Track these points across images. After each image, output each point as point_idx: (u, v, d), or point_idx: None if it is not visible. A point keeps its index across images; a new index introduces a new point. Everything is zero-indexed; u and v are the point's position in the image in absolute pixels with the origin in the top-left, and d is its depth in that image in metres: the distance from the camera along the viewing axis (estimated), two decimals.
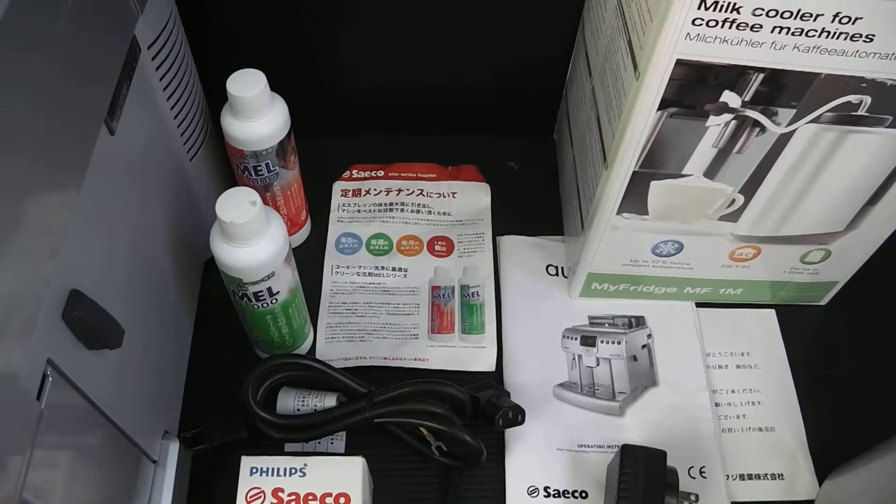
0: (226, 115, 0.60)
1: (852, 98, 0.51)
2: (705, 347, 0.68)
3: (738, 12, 0.45)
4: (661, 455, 0.58)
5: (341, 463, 0.55)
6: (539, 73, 0.73)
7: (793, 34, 0.47)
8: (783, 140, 0.54)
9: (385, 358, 0.64)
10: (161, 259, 0.59)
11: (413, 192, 0.73)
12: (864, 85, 0.50)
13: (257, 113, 0.60)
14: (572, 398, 0.64)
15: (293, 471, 0.54)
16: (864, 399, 0.66)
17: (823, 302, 0.71)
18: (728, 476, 0.62)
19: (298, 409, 0.61)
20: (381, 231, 0.71)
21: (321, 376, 0.61)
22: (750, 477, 0.63)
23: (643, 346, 0.67)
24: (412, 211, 0.73)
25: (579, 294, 0.68)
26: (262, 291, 0.57)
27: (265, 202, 0.64)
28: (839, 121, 0.52)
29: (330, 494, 0.53)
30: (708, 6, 0.45)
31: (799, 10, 0.45)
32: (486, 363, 0.65)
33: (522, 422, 0.61)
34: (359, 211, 0.72)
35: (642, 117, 0.52)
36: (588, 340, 0.66)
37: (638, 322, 0.68)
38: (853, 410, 0.66)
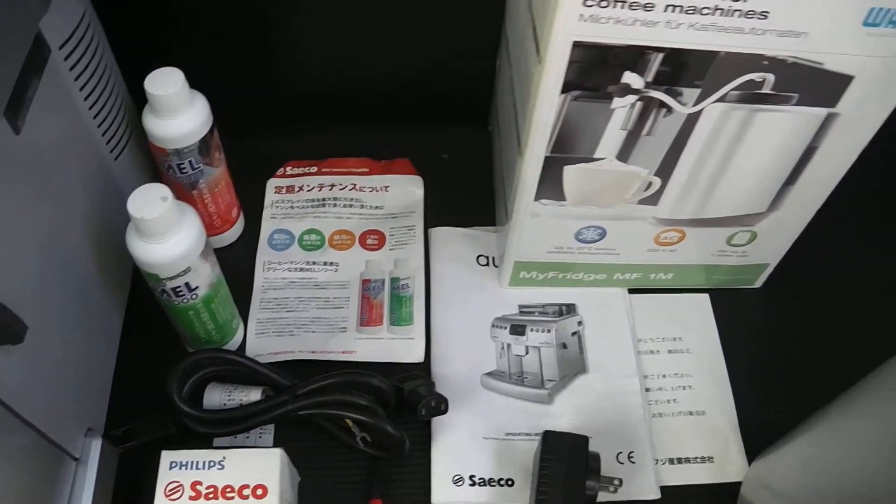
0: (147, 114, 0.60)
1: (755, 76, 0.51)
2: (637, 333, 0.68)
3: None
4: (582, 441, 0.58)
5: (259, 455, 0.55)
6: (471, 64, 0.73)
7: (686, 12, 0.47)
8: (691, 120, 0.54)
9: (313, 351, 0.64)
10: (82, 257, 0.59)
11: (346, 186, 0.74)
12: (766, 62, 0.50)
13: (177, 111, 0.60)
14: (500, 387, 0.64)
15: (212, 464, 0.54)
16: (796, 381, 0.66)
17: (758, 284, 0.71)
18: (657, 460, 0.62)
19: (225, 404, 0.61)
20: (314, 226, 0.71)
21: (246, 371, 0.61)
22: (680, 461, 0.63)
23: (573, 334, 0.67)
24: (345, 206, 0.73)
25: (509, 283, 0.68)
26: (180, 287, 0.57)
27: (191, 200, 0.65)
28: (745, 99, 0.53)
29: (248, 486, 0.53)
30: None
31: None
32: (415, 354, 0.65)
33: (445, 411, 0.61)
34: (292, 207, 0.73)
35: (547, 102, 0.52)
36: (517, 329, 0.66)
37: (568, 310, 0.68)
38: (786, 392, 0.66)
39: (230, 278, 0.65)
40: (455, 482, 0.60)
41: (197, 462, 0.54)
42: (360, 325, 0.66)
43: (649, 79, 0.51)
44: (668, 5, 0.46)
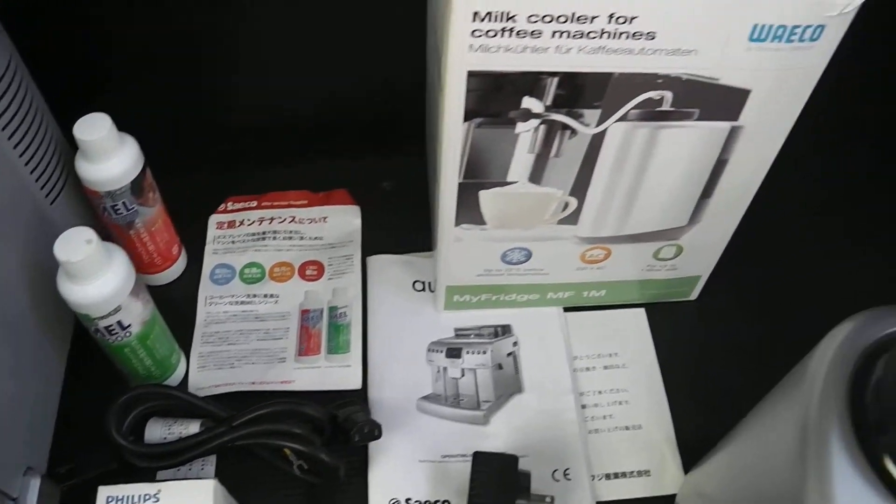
0: (79, 158, 0.62)
1: (653, 94, 0.53)
2: (573, 351, 0.69)
3: (514, 20, 0.47)
4: (511, 460, 0.59)
5: (194, 486, 0.56)
6: (406, 92, 0.75)
7: (574, 37, 0.48)
8: (597, 140, 0.55)
9: (253, 383, 0.66)
10: (18, 300, 0.60)
11: (285, 219, 0.75)
12: (661, 81, 0.52)
13: (106, 154, 0.61)
14: (436, 410, 0.65)
15: (147, 497, 0.55)
16: (732, 391, 0.66)
17: (693, 297, 0.72)
18: (594, 476, 0.63)
19: (165, 438, 0.62)
20: (255, 260, 0.73)
21: (184, 404, 0.62)
22: (616, 475, 0.64)
23: (508, 354, 0.68)
24: (284, 238, 0.74)
25: (444, 307, 0.69)
26: (112, 326, 0.58)
27: (129, 240, 0.67)
28: (647, 117, 0.54)
29: None
30: (482, 18, 0.47)
31: (574, 14, 0.47)
32: (352, 381, 0.66)
33: (379, 436, 0.62)
34: (233, 242, 0.74)
35: (452, 130, 0.54)
36: (453, 352, 0.67)
37: (504, 331, 0.69)
38: (722, 402, 0.65)
39: (173, 314, 0.66)
40: None
41: (133, 496, 0.55)
42: (298, 355, 0.67)
43: (548, 102, 0.52)
44: (554, 31, 0.48)
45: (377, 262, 0.73)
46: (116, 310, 0.58)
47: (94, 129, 0.60)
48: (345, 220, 0.76)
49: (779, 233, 0.76)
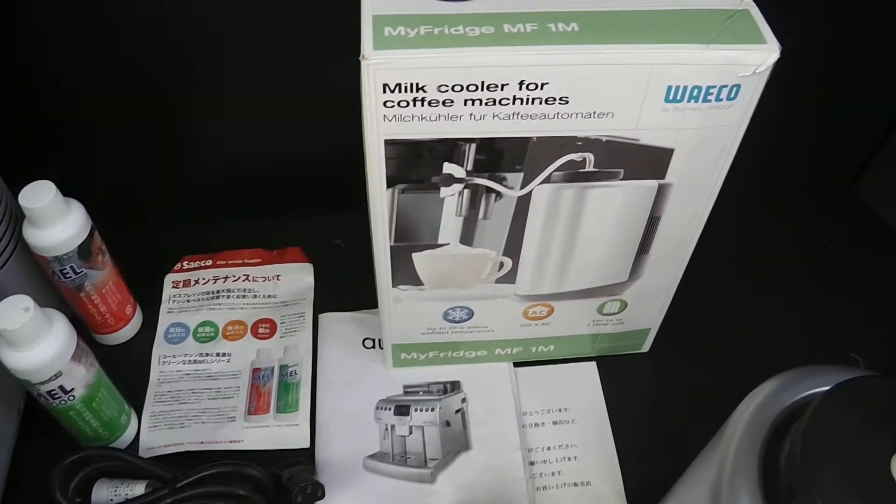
0: (26, 225, 0.63)
1: (574, 156, 0.53)
2: (522, 406, 0.69)
3: (425, 91, 0.48)
4: None
5: None
6: (359, 152, 0.75)
7: (486, 104, 0.49)
8: (524, 202, 0.55)
9: (202, 442, 0.66)
10: None
11: (239, 278, 0.76)
12: (581, 143, 0.52)
13: (52, 220, 0.63)
14: (382, 468, 0.65)
15: None
16: (683, 445, 0.66)
17: (645, 349, 0.72)
18: None
19: (111, 500, 0.62)
20: (208, 318, 0.74)
21: (130, 466, 0.63)
22: None
23: (457, 411, 0.68)
24: (238, 296, 0.75)
25: (393, 365, 0.70)
26: (54, 390, 0.59)
27: (80, 302, 0.68)
28: (572, 178, 0.54)
29: None
30: (393, 89, 0.47)
31: (483, 83, 0.48)
32: (300, 440, 0.67)
33: (322, 496, 0.62)
34: (188, 301, 0.75)
35: (377, 196, 0.54)
36: (401, 410, 0.68)
37: (453, 387, 0.69)
38: (673, 457, 0.65)
39: (128, 373, 0.68)
40: None
41: None
42: (247, 414, 0.68)
43: (469, 167, 0.53)
44: (466, 100, 0.48)
45: (328, 319, 0.74)
46: (57, 375, 0.59)
47: (39, 196, 0.62)
48: (298, 277, 0.76)
49: (731, 283, 0.77)
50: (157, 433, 0.67)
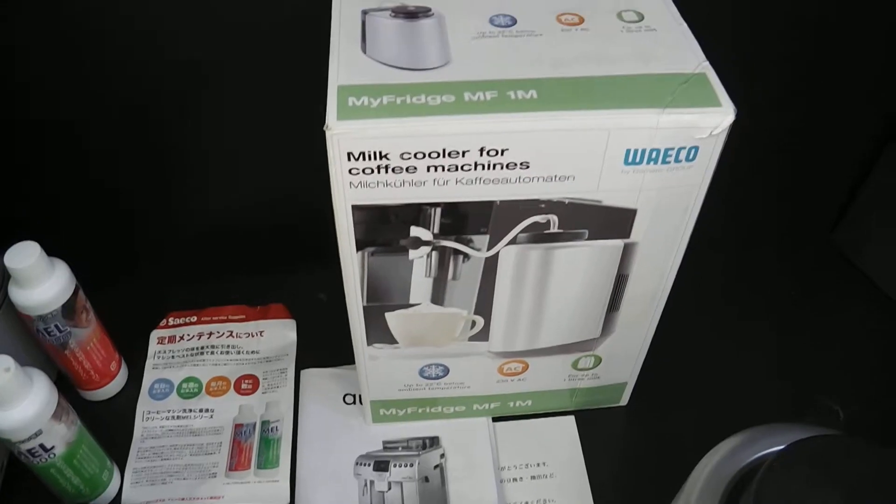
0: (11, 284, 0.65)
1: (538, 218, 0.54)
2: (501, 461, 0.69)
3: (388, 158, 0.49)
4: None
5: None
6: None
7: (449, 170, 0.50)
8: (491, 263, 0.56)
9: (183, 499, 0.67)
10: None
11: (223, 334, 0.77)
12: (544, 206, 0.53)
13: (36, 280, 0.64)
14: None
15: None
16: (660, 498, 0.67)
17: (623, 402, 0.73)
18: None
19: None
20: (192, 374, 0.75)
21: None
22: None
23: (435, 467, 0.68)
24: (222, 353, 0.76)
25: (372, 420, 0.70)
26: (34, 448, 0.60)
27: (64, 359, 0.69)
28: (538, 239, 0.55)
29: None
30: (357, 157, 0.49)
31: (445, 150, 0.49)
32: (280, 497, 0.67)
33: None
34: (173, 357, 0.76)
35: (347, 258, 0.55)
36: (381, 465, 0.68)
37: (432, 443, 0.70)
38: None
39: (112, 429, 0.69)
40: None
41: None
42: (228, 470, 0.68)
43: (435, 231, 0.54)
44: (429, 166, 0.49)
45: (310, 375, 0.75)
46: (37, 433, 0.60)
47: (24, 257, 0.63)
48: (281, 333, 0.78)
49: (708, 334, 0.77)
50: (139, 489, 0.68)
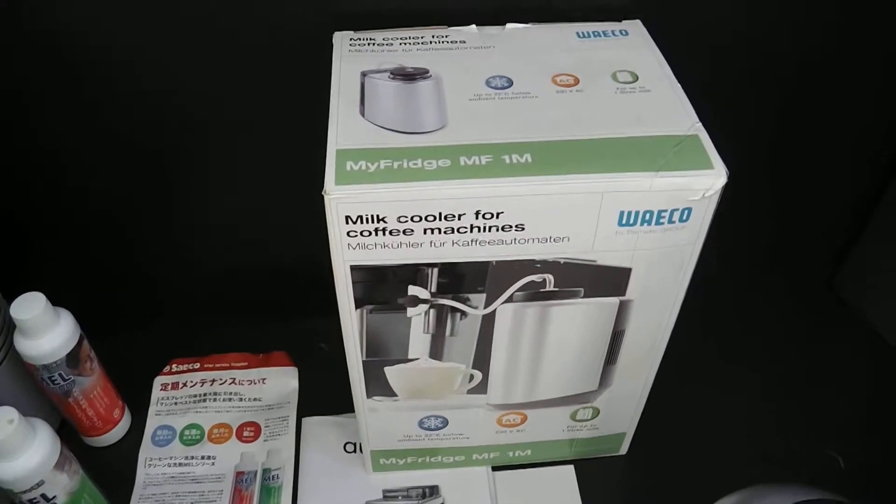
0: (16, 334, 0.66)
1: (534, 278, 0.55)
2: None
3: (385, 221, 0.50)
4: None
5: None
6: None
7: (445, 233, 0.51)
8: (489, 320, 0.57)
9: None
10: None
11: (226, 381, 0.78)
12: (539, 266, 0.54)
13: (41, 331, 0.65)
14: None
15: None
16: None
17: (622, 451, 0.73)
18: None
19: None
20: (195, 421, 0.75)
21: None
22: None
23: None
24: (224, 399, 0.77)
25: (372, 469, 0.71)
26: (36, 498, 0.61)
27: (69, 407, 0.70)
28: (534, 297, 0.56)
29: None
30: (354, 221, 0.50)
31: (441, 213, 0.50)
32: None
33: None
34: (175, 403, 0.77)
35: (347, 316, 0.56)
36: None
37: (432, 492, 0.70)
38: None
39: (114, 476, 0.70)
40: None
41: None
42: None
43: (433, 290, 0.55)
44: (426, 229, 0.50)
45: (311, 423, 0.75)
46: (39, 484, 0.60)
47: (30, 308, 0.64)
48: (283, 381, 0.78)
49: (707, 384, 0.78)
50: None
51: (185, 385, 0.78)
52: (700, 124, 0.52)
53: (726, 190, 0.50)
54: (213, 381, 0.78)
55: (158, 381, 0.79)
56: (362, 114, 0.53)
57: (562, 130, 0.51)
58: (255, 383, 0.78)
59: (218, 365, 0.80)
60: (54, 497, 0.62)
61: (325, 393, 0.76)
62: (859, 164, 0.80)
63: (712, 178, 0.49)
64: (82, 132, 0.69)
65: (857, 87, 0.73)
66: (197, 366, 0.80)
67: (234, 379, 0.78)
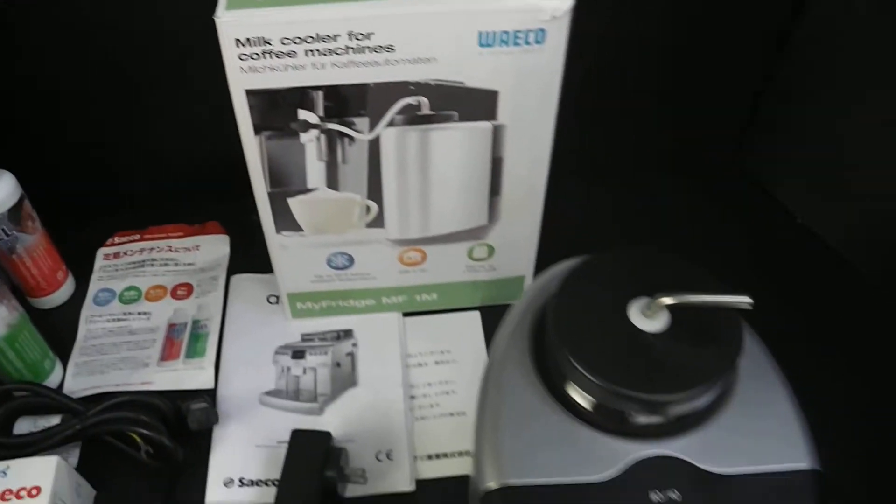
0: None
1: (410, 100, 0.61)
2: (409, 350, 0.76)
3: (270, 44, 0.56)
4: (324, 435, 0.66)
5: (38, 462, 0.63)
6: None
7: (323, 54, 0.57)
8: (374, 146, 0.64)
9: (118, 385, 0.74)
10: None
11: (163, 249, 0.85)
12: (413, 88, 0.60)
13: None
14: (276, 402, 0.72)
15: None
16: None
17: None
18: (416, 457, 0.70)
19: (32, 431, 0.70)
20: (133, 283, 0.82)
21: (47, 400, 0.71)
22: (438, 456, 0.70)
23: (347, 354, 0.75)
24: (161, 265, 0.84)
25: (291, 315, 0.78)
26: None
27: (12, 263, 0.77)
28: (412, 121, 0.62)
29: (25, 488, 0.62)
30: (243, 43, 0.56)
31: (317, 34, 0.56)
32: (205, 381, 0.74)
33: (216, 421, 0.70)
34: (117, 270, 0.84)
35: (249, 143, 0.63)
36: (298, 354, 0.75)
37: (346, 335, 0.77)
38: None
39: (58, 333, 0.76)
40: (226, 484, 0.68)
41: None
42: (160, 361, 0.76)
43: (320, 114, 0.61)
44: (306, 51, 0.57)
45: (238, 280, 0.82)
46: None
47: None
48: (216, 247, 0.85)
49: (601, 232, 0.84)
50: (79, 379, 0.75)
51: (125, 254, 0.85)
52: None
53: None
54: (152, 249, 0.85)
55: (101, 251, 0.86)
56: None
57: None
58: (189, 250, 0.85)
59: (157, 236, 0.87)
60: None
61: (253, 257, 0.83)
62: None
63: (559, 1, 0.56)
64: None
65: None
66: (137, 237, 0.87)
67: (171, 247, 0.85)
